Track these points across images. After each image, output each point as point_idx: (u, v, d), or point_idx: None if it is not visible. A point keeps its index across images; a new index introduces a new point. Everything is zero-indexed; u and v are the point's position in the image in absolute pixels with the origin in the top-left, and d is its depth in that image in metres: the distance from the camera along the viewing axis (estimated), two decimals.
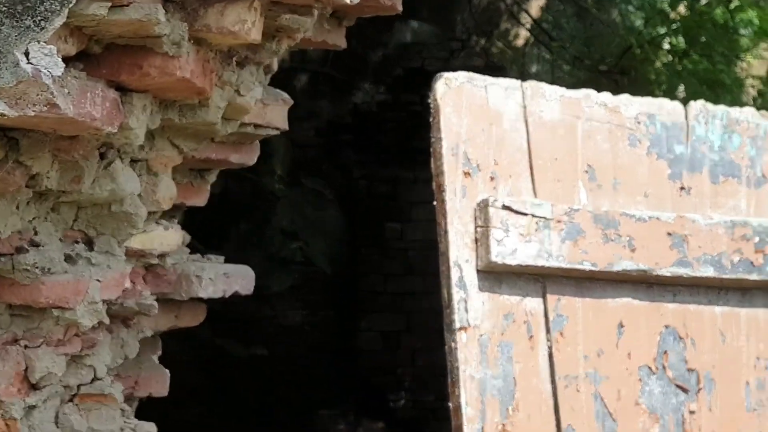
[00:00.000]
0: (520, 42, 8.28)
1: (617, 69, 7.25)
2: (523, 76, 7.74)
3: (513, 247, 2.26)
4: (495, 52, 8.25)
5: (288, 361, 7.86)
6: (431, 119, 2.37)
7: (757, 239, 2.42)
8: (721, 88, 7.24)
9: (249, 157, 2.44)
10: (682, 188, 2.45)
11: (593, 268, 2.30)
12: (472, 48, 8.23)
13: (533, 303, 2.29)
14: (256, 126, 2.34)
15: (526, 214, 2.28)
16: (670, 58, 7.44)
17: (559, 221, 2.30)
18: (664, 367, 2.35)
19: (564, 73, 7.51)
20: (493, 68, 7.55)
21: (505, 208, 2.27)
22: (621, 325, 2.33)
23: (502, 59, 8.20)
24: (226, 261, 2.58)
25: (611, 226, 2.33)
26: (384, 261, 8.17)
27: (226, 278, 2.42)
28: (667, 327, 2.37)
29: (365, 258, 8.21)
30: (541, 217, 2.28)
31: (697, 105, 2.52)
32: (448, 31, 8.24)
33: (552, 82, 2.53)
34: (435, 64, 7.79)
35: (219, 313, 7.60)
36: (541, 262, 2.27)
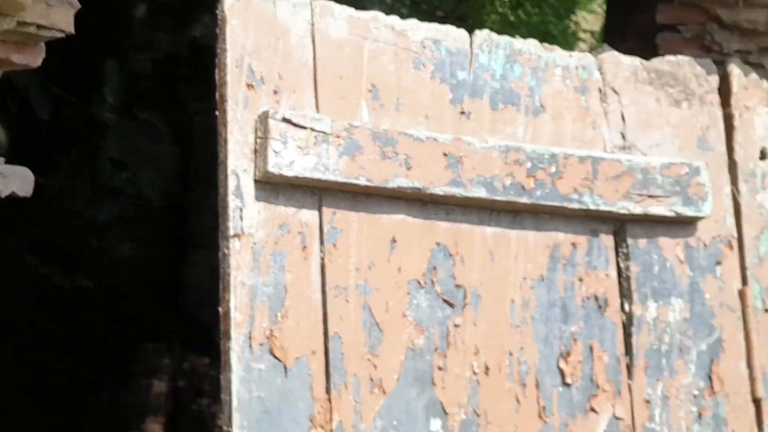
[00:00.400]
0: None
1: (453, 16, 7.35)
2: None
3: (291, 159, 2.31)
4: None
5: (114, 294, 7.81)
6: (217, 30, 2.39)
7: (529, 164, 2.51)
8: (553, 41, 7.41)
9: (33, 58, 2.42)
10: (462, 113, 2.53)
11: (369, 184, 2.36)
12: None
13: (309, 215, 2.35)
14: (39, 26, 2.33)
15: (305, 128, 2.33)
16: (506, 8, 7.58)
17: (338, 136, 2.35)
18: (432, 282, 2.43)
19: (402, 17, 7.58)
20: None
21: (285, 120, 2.32)
22: (394, 241, 2.41)
23: (341, 0, 8.22)
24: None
25: (389, 144, 2.39)
26: (217, 196, 8.16)
27: (2, 178, 2.41)
28: (438, 244, 2.45)
29: (198, 193, 8.18)
30: (320, 132, 2.33)
31: (482, 34, 2.59)
32: None
33: None
34: None
35: (45, 241, 7.51)
36: (317, 175, 2.32)
